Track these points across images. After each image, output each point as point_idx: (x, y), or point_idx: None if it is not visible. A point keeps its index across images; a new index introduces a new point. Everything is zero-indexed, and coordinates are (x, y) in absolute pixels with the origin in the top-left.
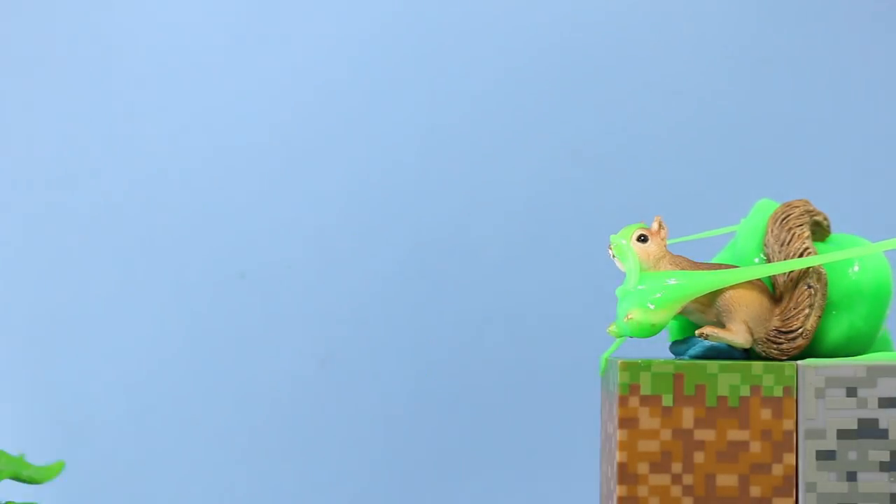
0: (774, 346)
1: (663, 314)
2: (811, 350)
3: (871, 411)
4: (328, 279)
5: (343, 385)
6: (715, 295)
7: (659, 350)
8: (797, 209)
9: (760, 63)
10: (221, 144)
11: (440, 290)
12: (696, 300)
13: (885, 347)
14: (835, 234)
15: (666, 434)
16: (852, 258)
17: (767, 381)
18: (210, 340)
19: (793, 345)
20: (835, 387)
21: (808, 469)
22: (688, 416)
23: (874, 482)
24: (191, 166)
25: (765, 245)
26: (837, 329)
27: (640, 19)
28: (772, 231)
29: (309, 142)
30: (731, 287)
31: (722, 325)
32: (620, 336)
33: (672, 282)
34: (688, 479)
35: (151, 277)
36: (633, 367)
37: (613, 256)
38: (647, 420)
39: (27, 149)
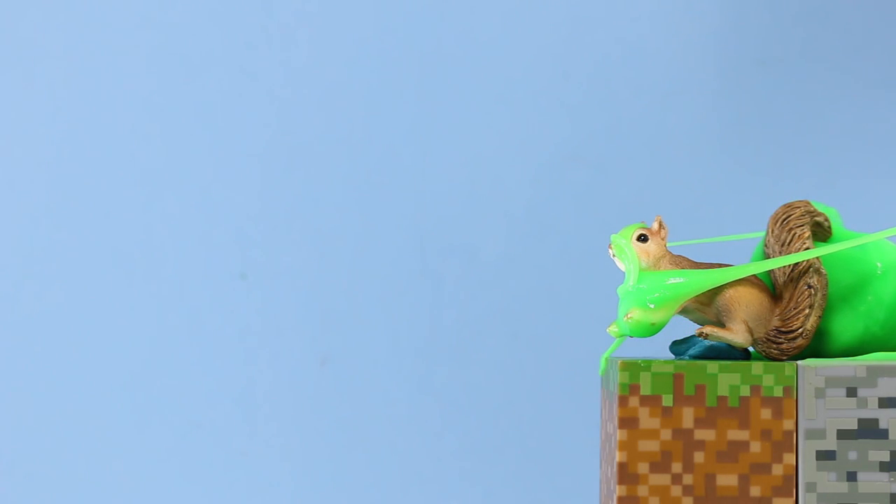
0: (774, 345)
1: (663, 313)
2: (822, 349)
3: (871, 411)
4: (328, 279)
5: (343, 385)
6: (714, 294)
7: (659, 350)
8: (798, 210)
9: (762, 62)
10: (221, 144)
11: (440, 290)
12: (696, 299)
13: None
14: (845, 231)
15: (666, 434)
16: (875, 263)
17: (767, 381)
18: (210, 340)
19: (793, 345)
20: (835, 387)
21: (808, 469)
22: (688, 416)
23: (874, 482)
24: (191, 166)
25: (765, 245)
26: (852, 332)
27: (640, 18)
28: (772, 231)
29: (309, 142)
30: (731, 286)
31: (722, 325)
32: (621, 336)
33: (672, 280)
34: (688, 479)
35: (151, 277)
36: (633, 367)
37: (613, 256)
38: (647, 420)
39: (26, 148)
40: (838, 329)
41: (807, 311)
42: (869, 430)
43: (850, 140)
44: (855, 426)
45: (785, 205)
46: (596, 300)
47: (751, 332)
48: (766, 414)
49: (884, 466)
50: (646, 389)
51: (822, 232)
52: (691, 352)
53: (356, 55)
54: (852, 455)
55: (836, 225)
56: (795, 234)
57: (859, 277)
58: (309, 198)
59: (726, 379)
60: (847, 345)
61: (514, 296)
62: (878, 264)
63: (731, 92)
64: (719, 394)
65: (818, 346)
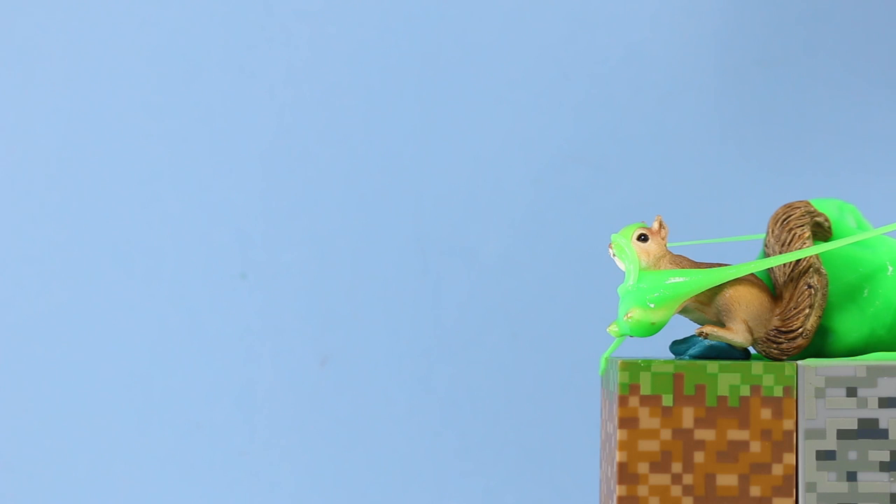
0: (774, 345)
1: (663, 312)
2: (826, 348)
3: (871, 411)
4: (328, 279)
5: (343, 385)
6: (715, 293)
7: (659, 350)
8: (798, 210)
9: (763, 63)
10: (221, 144)
11: (440, 290)
12: (696, 299)
13: None
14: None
15: (666, 434)
16: (885, 264)
17: (767, 381)
18: (210, 340)
19: (793, 345)
20: (835, 387)
21: (808, 469)
22: (688, 416)
23: (874, 482)
24: (191, 166)
25: (766, 246)
26: (858, 333)
27: (640, 18)
28: (772, 232)
29: (309, 142)
30: (731, 286)
31: (722, 325)
32: (621, 335)
33: (672, 280)
34: (688, 479)
35: (151, 277)
36: (633, 367)
37: (614, 255)
38: (647, 420)
39: (26, 148)
40: (844, 329)
41: (807, 310)
42: (869, 430)
43: (851, 140)
44: (855, 426)
45: (785, 205)
46: (596, 300)
47: (751, 331)
48: (766, 414)
49: (884, 466)
50: (646, 389)
51: (822, 232)
52: (691, 352)
53: (356, 55)
54: (852, 455)
55: (859, 221)
56: (795, 234)
57: (868, 278)
58: (309, 198)
59: (726, 379)
60: (852, 345)
61: (514, 296)
62: (889, 266)
63: (732, 92)
64: (719, 394)
65: (823, 344)
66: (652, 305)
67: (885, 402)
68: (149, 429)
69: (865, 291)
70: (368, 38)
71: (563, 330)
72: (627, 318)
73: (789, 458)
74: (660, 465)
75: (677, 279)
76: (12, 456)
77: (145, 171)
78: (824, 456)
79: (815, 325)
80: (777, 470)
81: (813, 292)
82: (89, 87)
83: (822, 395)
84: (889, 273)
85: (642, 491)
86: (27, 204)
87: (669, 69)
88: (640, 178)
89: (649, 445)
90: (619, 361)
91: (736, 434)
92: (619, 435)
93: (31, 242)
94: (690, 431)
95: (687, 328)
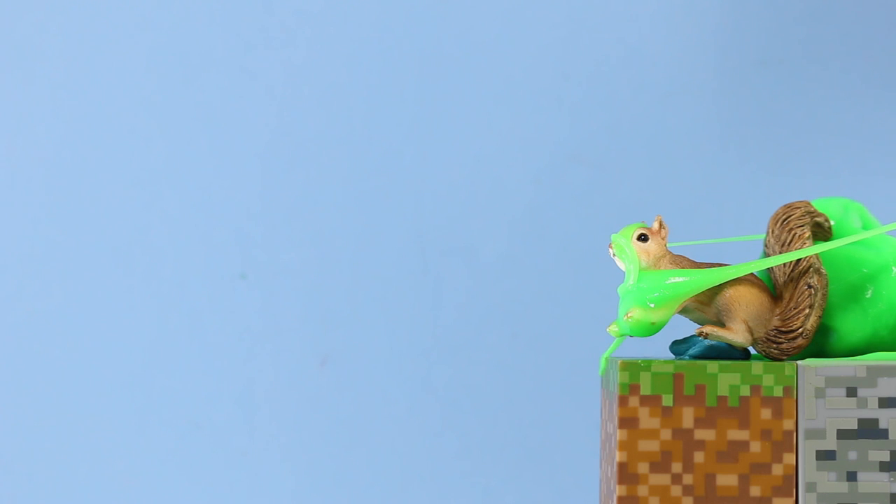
0: (774, 345)
1: (663, 312)
2: (828, 348)
3: (871, 411)
4: (328, 279)
5: (343, 385)
6: (715, 293)
7: (659, 350)
8: (798, 210)
9: (763, 63)
10: (221, 144)
11: (440, 290)
12: (696, 298)
13: None
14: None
15: (666, 434)
16: (890, 265)
17: (767, 381)
18: (210, 340)
19: (793, 345)
20: (835, 387)
21: (808, 469)
22: (688, 416)
23: (874, 482)
24: (191, 166)
25: (766, 246)
26: (861, 333)
27: (640, 18)
28: (772, 232)
29: (309, 142)
30: (731, 286)
31: (722, 325)
32: (621, 335)
33: (672, 280)
34: (688, 479)
35: (151, 277)
36: (633, 367)
37: (614, 255)
38: (647, 420)
39: (26, 148)
40: (846, 329)
41: (807, 310)
42: (869, 430)
43: (850, 140)
44: (855, 426)
45: (785, 205)
46: (596, 300)
47: (751, 331)
48: (766, 414)
49: (884, 466)
50: (646, 389)
51: (822, 232)
52: (691, 352)
53: (356, 55)
54: (852, 455)
55: (865, 220)
56: (795, 234)
57: (871, 278)
58: (309, 197)
59: (726, 379)
60: (854, 345)
61: (514, 296)
62: (894, 267)
63: (732, 92)
64: (719, 394)
65: (824, 344)
66: (652, 305)
67: (885, 402)
68: (149, 429)
69: (868, 292)
70: (368, 38)
71: (563, 330)
72: (627, 318)
73: (789, 458)
74: (660, 465)
75: (677, 279)
76: (12, 456)
77: (145, 171)
78: (824, 456)
79: (815, 325)
80: (777, 470)
81: (813, 292)
82: (89, 87)
83: (822, 395)
84: (893, 274)
85: (642, 491)
86: (27, 204)
87: (669, 69)
88: (640, 178)
89: (649, 445)
90: (619, 361)
91: (736, 434)
92: (619, 435)
93: (31, 242)
94: (690, 431)
95: (687, 328)
